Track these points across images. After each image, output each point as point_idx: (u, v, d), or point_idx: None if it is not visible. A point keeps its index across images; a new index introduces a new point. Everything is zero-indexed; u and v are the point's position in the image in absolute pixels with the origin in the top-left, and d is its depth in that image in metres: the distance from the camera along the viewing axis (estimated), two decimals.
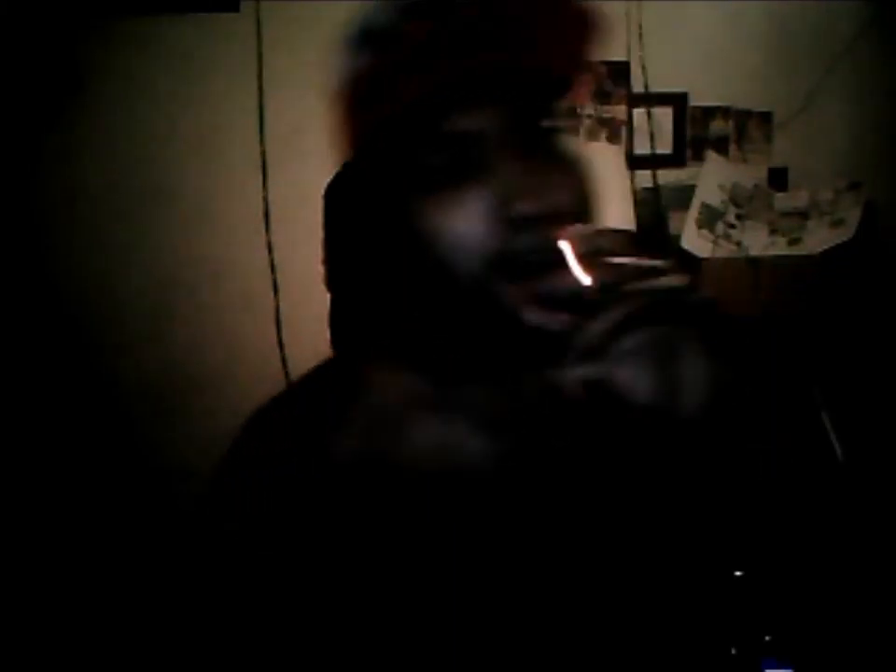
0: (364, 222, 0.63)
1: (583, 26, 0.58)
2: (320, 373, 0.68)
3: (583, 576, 0.59)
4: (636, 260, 0.51)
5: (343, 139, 0.62)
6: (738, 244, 2.28)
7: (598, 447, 0.63)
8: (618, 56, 2.40)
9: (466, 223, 0.55)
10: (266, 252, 2.18)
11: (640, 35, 2.36)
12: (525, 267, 0.55)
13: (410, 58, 0.54)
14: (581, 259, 0.51)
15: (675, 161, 2.49)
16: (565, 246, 0.52)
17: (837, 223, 2.19)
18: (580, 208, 0.59)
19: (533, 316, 0.55)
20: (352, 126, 0.61)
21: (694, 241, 2.25)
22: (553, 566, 0.59)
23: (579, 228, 0.55)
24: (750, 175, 2.45)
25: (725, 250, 2.26)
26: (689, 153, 2.51)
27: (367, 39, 0.58)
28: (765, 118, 2.54)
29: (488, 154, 0.56)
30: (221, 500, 0.64)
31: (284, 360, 2.14)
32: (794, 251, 2.18)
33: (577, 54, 0.59)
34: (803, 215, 2.29)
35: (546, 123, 0.58)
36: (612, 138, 2.44)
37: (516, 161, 0.56)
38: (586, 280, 0.51)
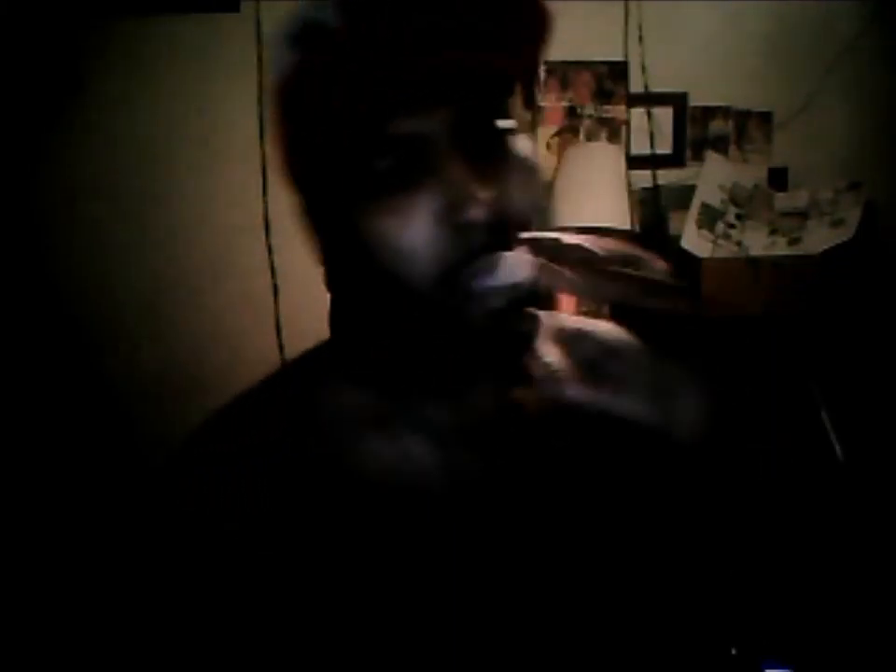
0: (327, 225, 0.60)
1: (534, 22, 0.55)
2: (273, 384, 0.65)
3: (566, 584, 0.58)
4: (632, 271, 0.51)
5: (278, 139, 0.59)
6: (738, 244, 2.28)
7: (557, 462, 0.61)
8: (618, 56, 2.40)
9: (414, 230, 0.53)
10: (266, 252, 2.18)
11: (640, 35, 2.36)
12: (475, 275, 0.52)
13: (338, 57, 0.51)
14: (573, 268, 0.51)
15: (675, 161, 2.49)
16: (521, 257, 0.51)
17: (837, 223, 2.19)
18: (532, 212, 0.56)
19: (484, 324, 0.53)
20: (285, 126, 0.58)
21: (694, 241, 2.25)
22: (530, 575, 0.58)
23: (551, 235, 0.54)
24: (750, 174, 2.45)
25: (725, 250, 2.26)
26: (689, 153, 2.51)
27: (298, 36, 0.54)
28: (765, 118, 2.54)
29: (436, 157, 0.53)
30: (167, 504, 0.61)
31: (284, 360, 2.13)
32: (794, 251, 2.18)
33: (528, 51, 0.56)
34: (803, 215, 2.29)
35: (498, 124, 0.56)
36: (612, 138, 2.44)
37: (466, 164, 0.53)
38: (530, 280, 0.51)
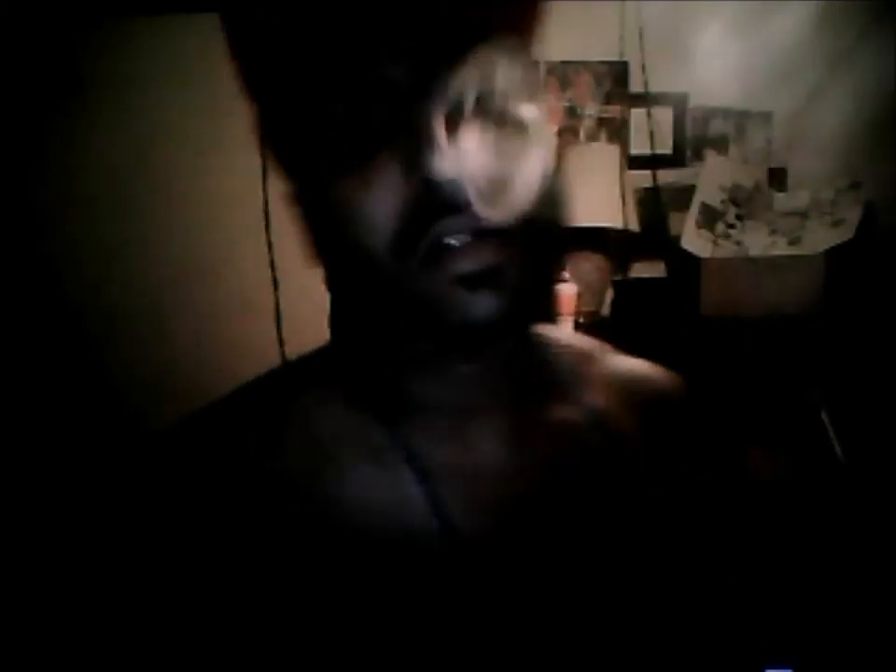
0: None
1: None
2: (248, 394, 0.56)
3: (584, 640, 0.52)
4: None
5: (237, 75, 0.52)
6: (738, 244, 2.28)
7: (578, 501, 0.53)
8: (618, 56, 2.40)
9: (378, 197, 0.44)
10: (266, 251, 2.18)
11: (640, 34, 2.36)
12: (441, 233, 0.43)
13: None
14: None
15: (675, 161, 2.49)
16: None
17: (837, 223, 2.19)
18: (538, 196, 0.45)
19: (457, 302, 0.44)
20: (238, 61, 0.49)
21: (694, 241, 2.25)
22: (543, 640, 0.50)
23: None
24: (750, 175, 2.45)
25: (725, 250, 2.26)
26: (689, 153, 2.51)
27: None
28: (765, 118, 2.54)
29: (416, 110, 0.42)
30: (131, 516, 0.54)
31: (284, 360, 2.14)
32: (794, 251, 2.18)
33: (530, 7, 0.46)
34: (803, 215, 2.29)
35: (495, 83, 0.44)
36: (612, 138, 2.44)
37: (452, 123, 0.42)
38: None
